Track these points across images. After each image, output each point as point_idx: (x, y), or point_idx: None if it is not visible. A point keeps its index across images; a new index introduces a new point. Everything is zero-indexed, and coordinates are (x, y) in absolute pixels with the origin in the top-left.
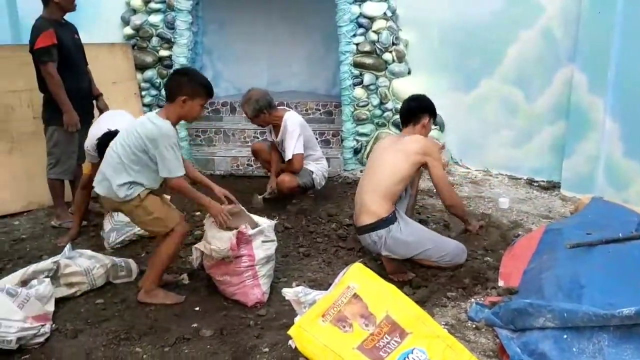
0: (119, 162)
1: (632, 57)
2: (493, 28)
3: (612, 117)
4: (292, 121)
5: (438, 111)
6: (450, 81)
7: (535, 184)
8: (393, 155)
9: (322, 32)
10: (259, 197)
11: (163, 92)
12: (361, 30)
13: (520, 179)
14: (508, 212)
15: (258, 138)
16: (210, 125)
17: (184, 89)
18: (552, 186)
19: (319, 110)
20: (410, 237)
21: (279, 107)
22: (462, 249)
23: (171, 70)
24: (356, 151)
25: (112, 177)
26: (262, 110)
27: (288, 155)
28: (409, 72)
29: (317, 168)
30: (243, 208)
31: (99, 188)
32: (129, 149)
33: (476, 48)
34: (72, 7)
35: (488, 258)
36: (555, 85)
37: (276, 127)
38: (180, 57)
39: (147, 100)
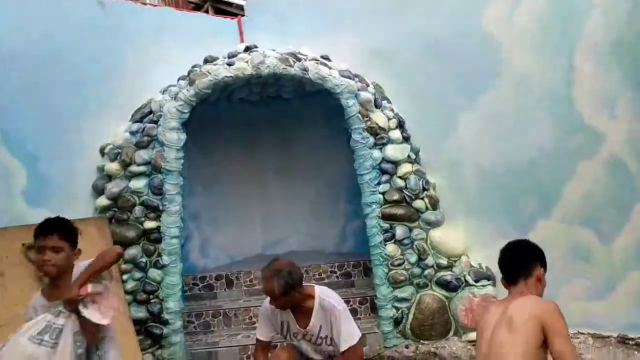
0: None
1: None
2: (543, 163)
3: None
4: (335, 299)
5: (485, 262)
6: (497, 227)
7: (630, 342)
8: (506, 335)
9: (323, 183)
10: None
11: (150, 274)
12: (385, 177)
13: (608, 337)
14: None
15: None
16: (203, 306)
17: None
18: None
19: (335, 272)
20: None
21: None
22: None
23: (161, 245)
24: (397, 321)
25: None
26: (294, 287)
27: (349, 342)
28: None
29: None
30: None
31: None
32: None
33: (525, 187)
34: None
35: None
36: (634, 221)
37: (300, 311)
38: (172, 228)
39: (130, 286)
